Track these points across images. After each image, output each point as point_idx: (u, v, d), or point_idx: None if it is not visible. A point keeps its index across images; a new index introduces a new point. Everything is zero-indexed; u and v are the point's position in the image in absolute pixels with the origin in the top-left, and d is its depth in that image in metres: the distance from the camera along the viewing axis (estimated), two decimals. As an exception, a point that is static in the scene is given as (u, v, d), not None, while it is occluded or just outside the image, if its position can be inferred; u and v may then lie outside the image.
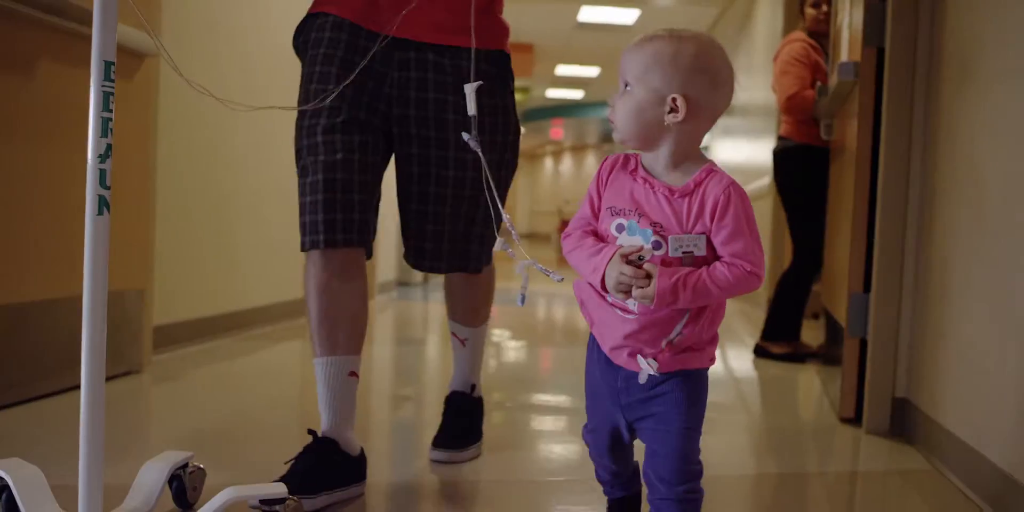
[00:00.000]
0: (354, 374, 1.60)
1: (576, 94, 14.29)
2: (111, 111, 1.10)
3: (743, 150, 6.49)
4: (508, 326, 4.37)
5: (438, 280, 6.93)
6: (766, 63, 4.45)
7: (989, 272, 1.65)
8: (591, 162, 19.56)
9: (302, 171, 1.58)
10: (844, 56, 2.48)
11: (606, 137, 17.12)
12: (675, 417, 1.10)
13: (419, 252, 1.69)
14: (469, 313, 1.88)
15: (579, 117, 15.69)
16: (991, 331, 1.61)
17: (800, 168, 3.24)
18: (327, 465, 1.52)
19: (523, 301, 1.21)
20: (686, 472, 1.10)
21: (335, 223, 1.54)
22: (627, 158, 1.14)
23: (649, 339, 1.08)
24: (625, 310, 1.09)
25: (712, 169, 1.08)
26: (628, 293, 1.05)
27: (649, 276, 1.04)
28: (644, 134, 1.10)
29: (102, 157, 1.10)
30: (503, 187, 1.70)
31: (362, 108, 1.58)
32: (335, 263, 1.57)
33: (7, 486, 1.21)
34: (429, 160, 1.64)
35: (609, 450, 1.19)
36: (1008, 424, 1.50)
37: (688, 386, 1.10)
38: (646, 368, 1.07)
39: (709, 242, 1.06)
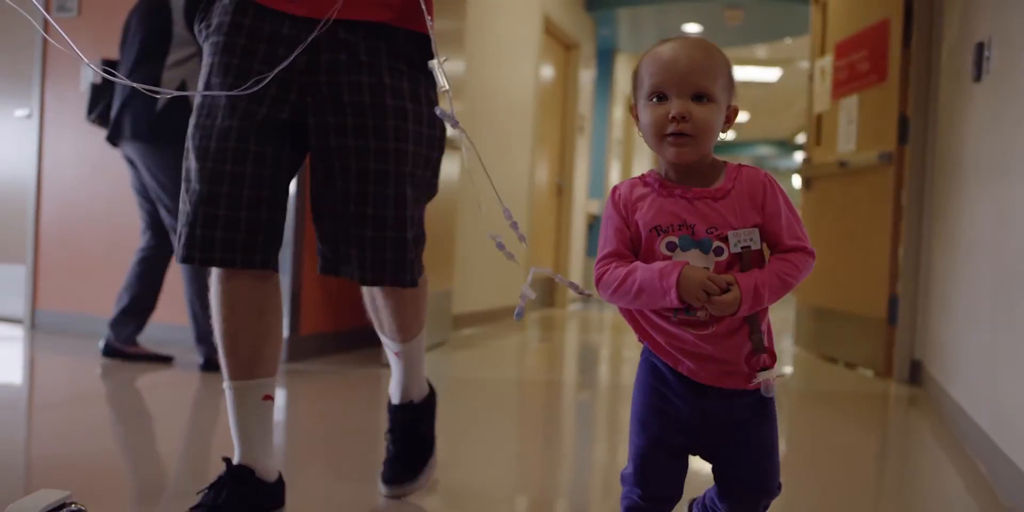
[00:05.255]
0: (267, 397, 1.50)
1: (727, 135, 15.64)
2: None
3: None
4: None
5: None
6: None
7: (962, 287, 3.04)
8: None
9: (186, 174, 1.45)
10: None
11: (757, 172, 18.24)
12: (767, 433, 1.09)
13: (345, 259, 1.50)
14: (398, 331, 1.67)
15: (730, 154, 17.02)
16: (964, 322, 2.73)
17: None
18: (240, 495, 1.43)
19: (520, 315, 1.12)
20: (771, 487, 1.09)
21: (214, 241, 1.42)
22: (640, 181, 1.09)
23: (721, 350, 1.05)
24: (697, 327, 1.04)
25: (738, 166, 1.07)
26: (705, 306, 1.01)
27: (731, 283, 1.01)
28: (711, 148, 1.06)
29: None
30: (422, 186, 1.55)
31: (263, 106, 1.43)
32: (233, 285, 1.48)
33: None
34: (348, 152, 1.45)
35: (672, 481, 1.10)
36: (963, 377, 2.88)
37: (772, 401, 1.09)
38: (767, 380, 1.04)
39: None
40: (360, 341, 3.77)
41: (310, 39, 1.39)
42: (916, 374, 3.50)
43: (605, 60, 8.12)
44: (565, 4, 6.52)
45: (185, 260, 1.44)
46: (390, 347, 1.72)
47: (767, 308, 1.07)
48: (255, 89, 1.36)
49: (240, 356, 1.49)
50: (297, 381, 3.13)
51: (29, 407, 2.60)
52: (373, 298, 1.67)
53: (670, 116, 1.03)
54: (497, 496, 1.89)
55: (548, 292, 6.86)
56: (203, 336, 3.16)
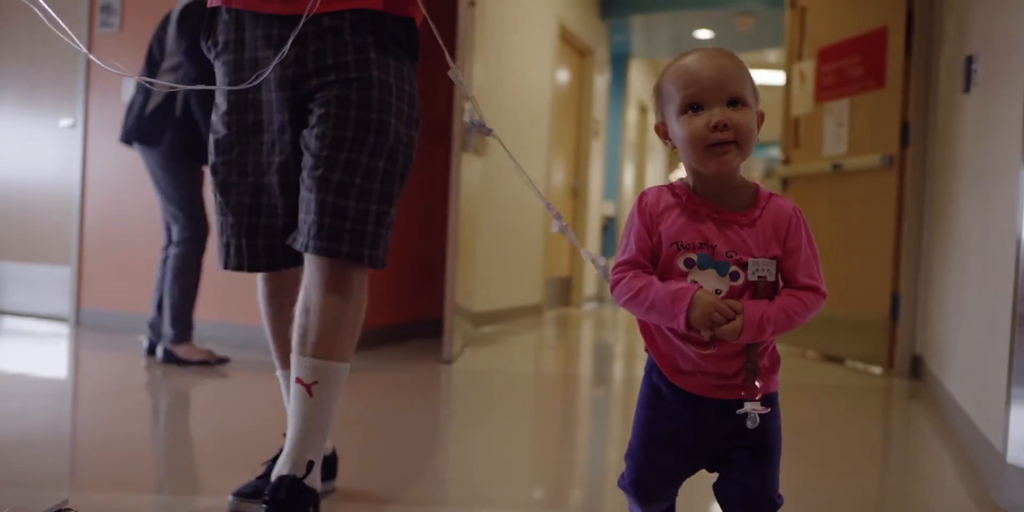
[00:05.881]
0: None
1: (741, 135, 15.74)
2: None
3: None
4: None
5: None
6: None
7: (955, 284, 3.21)
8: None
9: (224, 187, 1.57)
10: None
11: (768, 172, 18.32)
12: (767, 443, 1.08)
13: (301, 229, 1.48)
14: (330, 335, 1.46)
15: (744, 155, 17.09)
16: (956, 317, 3.16)
17: None
18: None
19: (607, 273, 1.13)
20: (771, 501, 1.09)
21: (256, 249, 1.55)
22: (669, 190, 1.07)
23: (723, 366, 1.06)
24: (699, 345, 1.04)
25: (768, 192, 1.07)
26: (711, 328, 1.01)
27: (735, 311, 1.00)
28: (750, 155, 1.03)
29: None
30: (397, 175, 1.52)
31: (279, 113, 1.51)
32: (278, 286, 1.64)
33: None
34: (328, 120, 1.46)
35: (666, 492, 1.13)
36: (955, 369, 3.05)
37: (775, 411, 1.09)
38: (753, 412, 1.02)
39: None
40: (390, 337, 3.97)
41: (293, 35, 1.41)
42: (917, 368, 3.67)
43: (619, 65, 8.30)
44: (580, 12, 6.71)
45: (236, 269, 1.58)
46: (306, 375, 1.45)
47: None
48: (253, 84, 1.45)
49: (287, 350, 1.62)
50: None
51: (74, 398, 2.81)
52: (308, 295, 1.49)
53: (711, 125, 1.01)
54: (517, 480, 2.08)
55: (564, 292, 7.04)
56: (154, 322, 3.38)
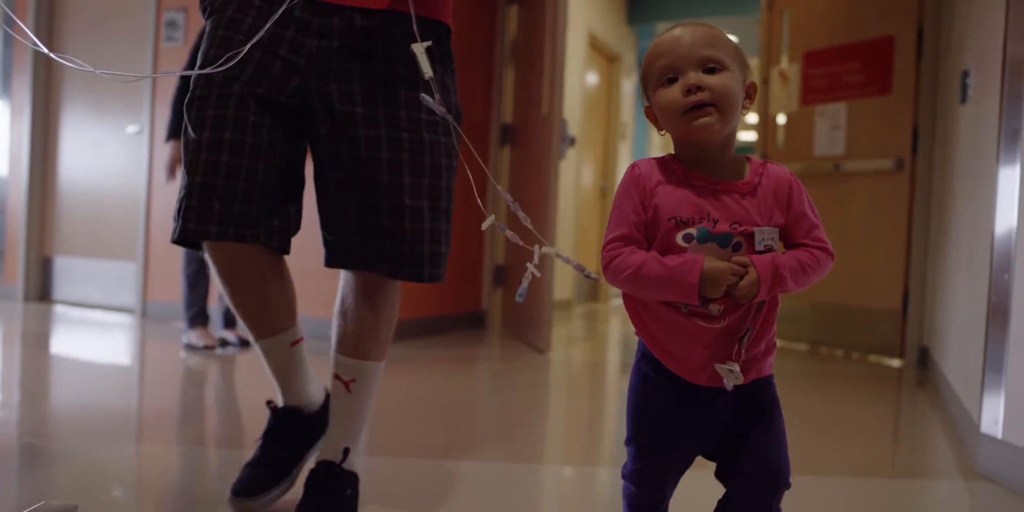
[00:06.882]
0: (296, 342, 1.58)
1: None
2: None
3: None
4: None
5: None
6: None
7: (951, 280, 3.46)
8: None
9: (184, 147, 1.39)
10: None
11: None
12: (772, 424, 1.06)
13: (369, 251, 1.43)
14: (368, 339, 1.51)
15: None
16: (951, 310, 3.41)
17: None
18: (291, 440, 1.59)
19: (522, 295, 1.05)
20: (784, 480, 1.05)
21: (211, 213, 1.35)
22: (662, 163, 1.03)
23: (725, 346, 1.01)
24: (708, 319, 0.99)
25: (762, 160, 1.03)
26: (727, 294, 0.97)
27: (744, 266, 0.96)
28: (735, 123, 1.00)
29: None
30: (444, 175, 1.49)
31: (265, 82, 1.37)
32: (225, 259, 1.44)
33: None
34: (358, 142, 1.39)
35: (670, 485, 1.10)
36: (949, 356, 3.30)
37: (775, 394, 1.08)
38: (729, 375, 0.99)
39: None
40: (433, 328, 4.28)
41: (279, 13, 1.32)
42: (924, 359, 3.92)
43: (646, 68, 8.55)
44: (608, 20, 6.98)
45: (181, 236, 1.37)
46: (345, 373, 1.52)
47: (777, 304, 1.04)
48: (229, 65, 1.32)
49: (256, 321, 1.55)
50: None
51: (140, 383, 3.11)
52: (345, 299, 1.53)
53: (684, 89, 0.99)
54: (550, 457, 2.37)
55: (593, 287, 7.32)
56: (226, 312, 3.75)
